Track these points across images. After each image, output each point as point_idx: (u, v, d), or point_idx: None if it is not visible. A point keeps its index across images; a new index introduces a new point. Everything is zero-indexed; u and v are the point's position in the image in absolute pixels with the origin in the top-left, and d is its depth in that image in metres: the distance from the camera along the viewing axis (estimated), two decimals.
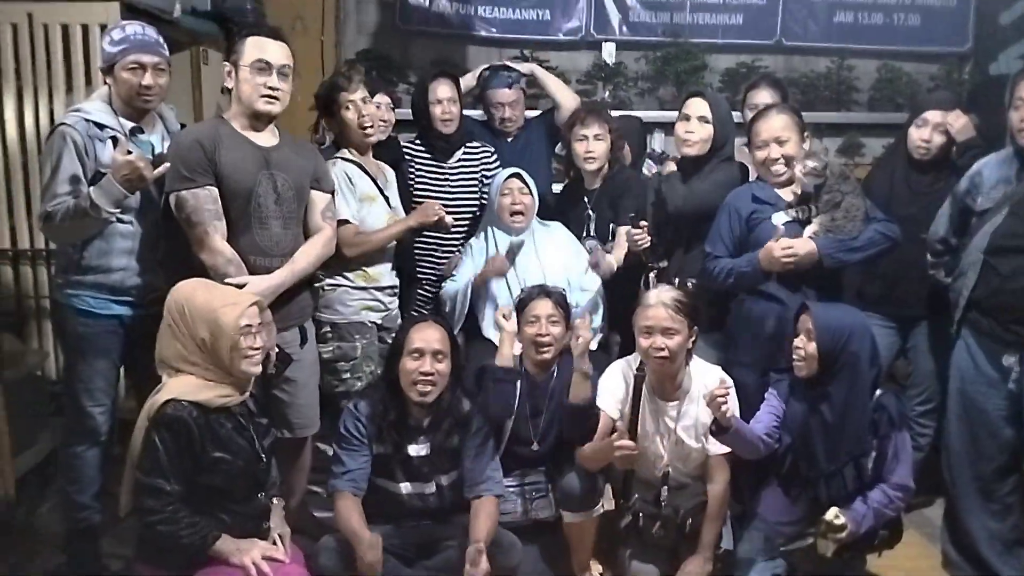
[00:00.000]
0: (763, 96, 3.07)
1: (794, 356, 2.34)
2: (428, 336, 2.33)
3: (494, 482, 2.39)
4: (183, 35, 3.36)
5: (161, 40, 2.43)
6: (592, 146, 3.01)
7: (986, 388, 2.48)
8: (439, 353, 2.32)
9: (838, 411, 2.32)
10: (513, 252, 2.95)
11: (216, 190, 2.30)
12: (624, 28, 4.40)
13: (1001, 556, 2.56)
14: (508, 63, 3.65)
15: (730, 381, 2.30)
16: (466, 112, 3.56)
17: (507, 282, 2.94)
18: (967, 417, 2.54)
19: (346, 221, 2.69)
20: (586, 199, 3.10)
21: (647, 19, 4.40)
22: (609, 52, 4.42)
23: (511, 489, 2.57)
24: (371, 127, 2.77)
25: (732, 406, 2.29)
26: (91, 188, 2.23)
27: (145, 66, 2.34)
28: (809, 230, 2.52)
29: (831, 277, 2.57)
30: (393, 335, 2.83)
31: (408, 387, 2.31)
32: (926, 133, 2.80)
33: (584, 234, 3.09)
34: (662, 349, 2.39)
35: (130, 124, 2.38)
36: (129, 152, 2.21)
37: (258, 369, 2.10)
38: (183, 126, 2.57)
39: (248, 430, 2.09)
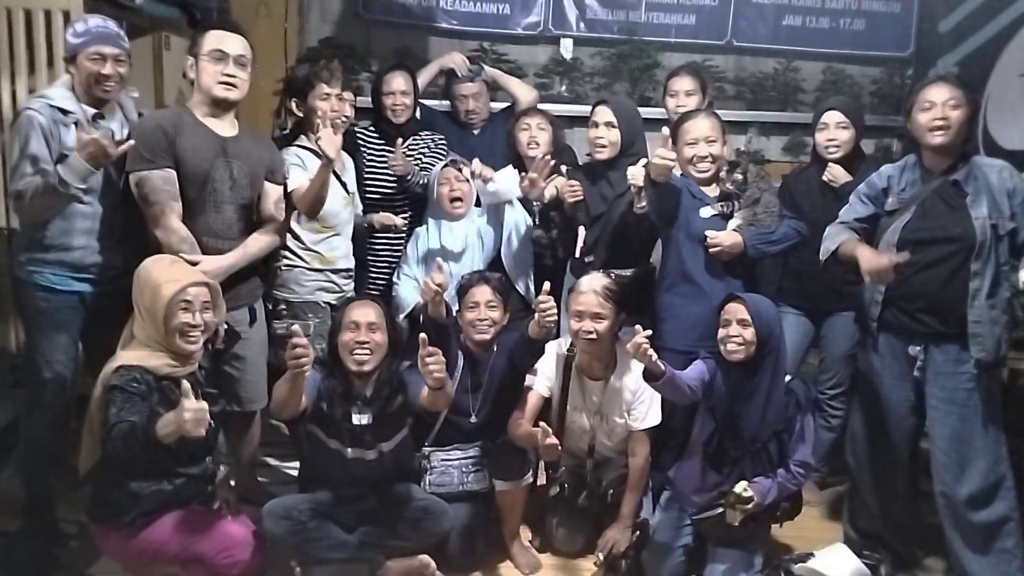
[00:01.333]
0: (682, 83, 3.27)
1: (730, 343, 2.49)
2: (364, 311, 2.50)
3: None
4: (145, 21, 3.43)
5: (122, 33, 2.55)
6: (535, 133, 3.20)
7: (892, 380, 2.62)
8: (373, 324, 2.48)
9: (764, 391, 2.50)
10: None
11: (174, 172, 2.44)
12: (581, 25, 4.54)
13: (896, 533, 2.74)
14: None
15: (647, 332, 2.37)
16: (433, 103, 3.75)
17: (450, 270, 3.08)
18: (874, 407, 2.69)
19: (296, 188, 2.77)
20: None
21: (604, 16, 4.54)
22: (566, 48, 4.55)
23: (449, 462, 2.72)
24: (340, 123, 2.90)
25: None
26: (58, 165, 2.34)
27: (106, 57, 2.46)
28: (732, 223, 2.71)
29: (750, 269, 2.76)
30: None
31: (347, 357, 2.47)
32: (829, 134, 3.01)
33: (535, 220, 3.24)
34: (591, 332, 2.59)
35: (92, 110, 2.49)
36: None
37: (194, 347, 2.23)
38: (140, 115, 2.68)
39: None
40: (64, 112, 2.43)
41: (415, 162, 3.32)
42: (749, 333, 2.47)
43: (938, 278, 2.50)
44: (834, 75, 4.61)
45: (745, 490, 2.42)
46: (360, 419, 2.50)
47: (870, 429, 2.73)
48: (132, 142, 2.41)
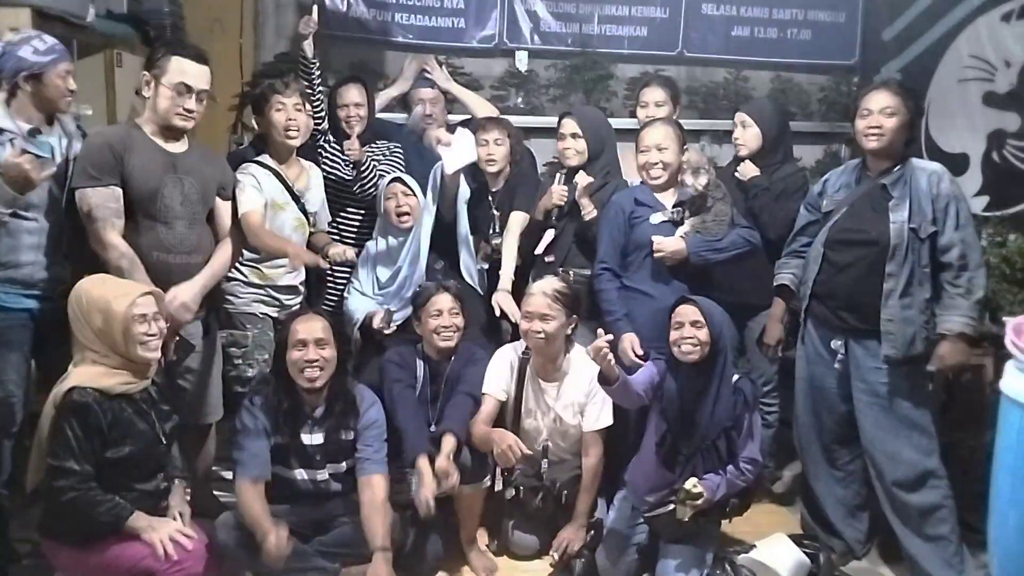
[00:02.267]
0: (653, 94, 3.40)
1: (684, 344, 2.55)
2: (310, 327, 2.49)
3: (379, 462, 2.54)
4: (96, 38, 3.44)
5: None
6: (492, 149, 3.24)
7: (823, 368, 2.76)
8: (321, 340, 2.49)
9: (714, 390, 2.57)
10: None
11: (119, 190, 2.45)
12: (536, 37, 4.59)
13: (844, 519, 2.84)
14: (427, 70, 3.88)
15: (608, 336, 2.46)
16: (391, 116, 3.79)
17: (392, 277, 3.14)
18: (809, 395, 2.82)
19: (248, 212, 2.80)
20: (490, 199, 3.32)
21: (557, 29, 4.60)
22: (521, 60, 4.59)
23: (403, 468, 2.73)
24: (296, 132, 2.94)
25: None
26: None
27: (69, 72, 2.50)
28: (680, 230, 2.79)
29: (700, 274, 2.83)
30: None
31: (296, 375, 2.48)
32: (736, 132, 3.16)
33: (490, 231, 3.29)
34: (539, 332, 2.66)
35: (27, 126, 2.49)
36: (25, 152, 2.32)
37: (155, 355, 2.25)
38: (79, 128, 2.70)
39: (149, 415, 2.24)
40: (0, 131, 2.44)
41: (378, 170, 3.35)
42: (703, 334, 2.53)
43: (856, 277, 2.61)
44: (782, 83, 4.71)
45: (695, 486, 2.47)
46: (311, 439, 2.50)
47: (809, 414, 2.83)
48: (52, 169, 2.41)
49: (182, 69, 2.51)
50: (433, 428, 2.81)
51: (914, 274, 2.55)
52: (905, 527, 2.61)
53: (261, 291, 2.95)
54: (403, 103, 3.97)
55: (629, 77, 4.60)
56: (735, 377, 2.61)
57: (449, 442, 2.59)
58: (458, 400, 2.73)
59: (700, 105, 4.66)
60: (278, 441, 2.50)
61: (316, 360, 2.46)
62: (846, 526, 2.83)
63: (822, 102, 4.77)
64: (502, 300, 3.03)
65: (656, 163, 2.86)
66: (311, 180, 3.09)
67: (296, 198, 2.99)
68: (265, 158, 2.96)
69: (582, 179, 2.94)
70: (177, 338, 2.49)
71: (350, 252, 3.04)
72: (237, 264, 2.89)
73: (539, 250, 3.08)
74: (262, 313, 2.94)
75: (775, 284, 2.92)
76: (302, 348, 2.46)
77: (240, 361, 2.89)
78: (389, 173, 3.25)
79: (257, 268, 2.94)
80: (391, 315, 3.04)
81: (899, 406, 2.59)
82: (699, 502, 2.47)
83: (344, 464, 2.55)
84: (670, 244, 2.76)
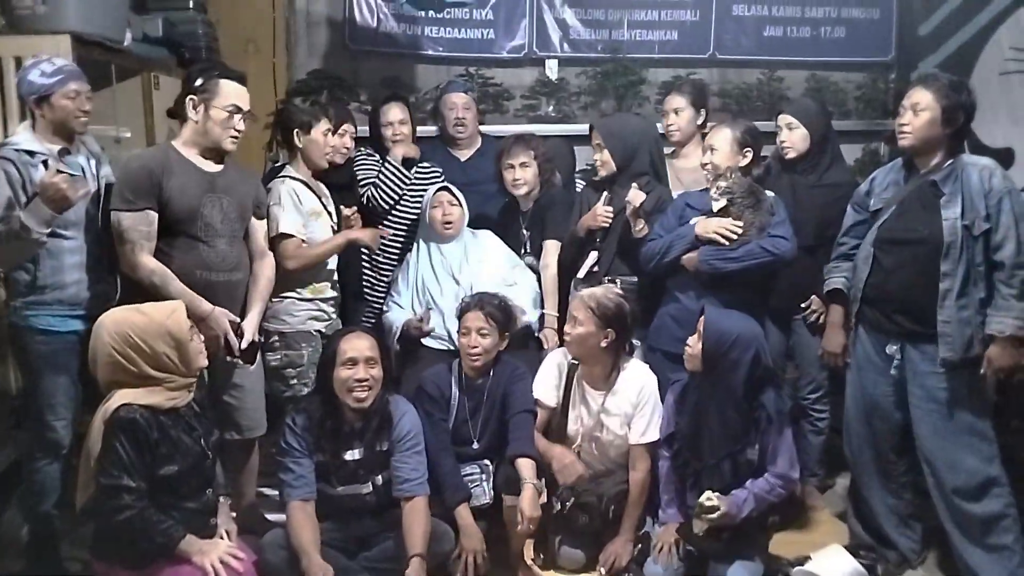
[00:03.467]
0: (672, 101, 3.34)
1: (685, 352, 2.55)
2: (359, 345, 2.48)
3: (418, 483, 2.52)
4: (133, 62, 3.49)
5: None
6: (519, 174, 3.22)
7: (875, 376, 2.67)
8: (371, 360, 2.48)
9: (715, 410, 2.52)
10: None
11: (154, 214, 2.49)
12: (565, 45, 4.58)
13: (897, 528, 2.76)
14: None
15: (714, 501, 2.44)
16: (421, 129, 3.79)
17: (440, 289, 3.14)
18: (861, 402, 2.74)
19: (290, 235, 2.85)
20: (521, 220, 3.32)
21: (587, 36, 4.58)
22: (551, 68, 4.59)
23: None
24: (332, 154, 3.00)
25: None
26: (20, 211, 2.37)
27: (80, 92, 2.53)
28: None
29: (738, 286, 2.75)
30: None
31: (344, 395, 2.46)
32: (782, 135, 3.08)
33: (522, 252, 3.29)
34: (568, 335, 2.70)
35: (57, 147, 2.54)
36: (59, 172, 2.36)
37: (206, 361, 2.28)
38: (103, 148, 2.77)
39: (196, 429, 2.25)
40: (31, 154, 2.48)
41: (423, 191, 3.37)
42: (698, 347, 2.51)
43: (908, 278, 2.54)
44: (818, 83, 4.64)
45: (709, 499, 2.42)
46: (352, 454, 2.50)
47: (861, 423, 2.76)
48: (91, 188, 2.49)
49: (234, 91, 2.57)
50: (476, 445, 2.82)
51: (970, 273, 2.47)
52: (965, 537, 2.53)
53: (313, 306, 2.96)
54: (434, 114, 3.97)
55: (661, 82, 4.56)
56: (768, 393, 2.53)
57: (528, 466, 2.61)
58: (520, 420, 2.72)
59: (734, 108, 4.61)
60: (320, 459, 2.50)
61: (366, 380, 2.45)
62: (899, 535, 2.76)
63: (859, 100, 4.69)
64: (551, 337, 3.09)
65: (706, 164, 2.85)
66: (326, 193, 3.10)
67: (324, 207, 3.01)
68: (297, 170, 2.97)
69: (635, 197, 2.88)
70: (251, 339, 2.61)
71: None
72: (291, 287, 2.91)
73: (581, 273, 3.05)
74: (315, 331, 2.96)
75: (826, 290, 2.85)
76: (351, 367, 2.45)
77: (296, 381, 2.90)
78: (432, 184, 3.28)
79: (310, 284, 2.95)
80: (428, 315, 3.06)
81: (958, 412, 2.51)
82: (714, 515, 2.41)
83: (381, 476, 2.54)
84: (688, 253, 2.75)
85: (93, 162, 2.65)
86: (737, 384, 2.48)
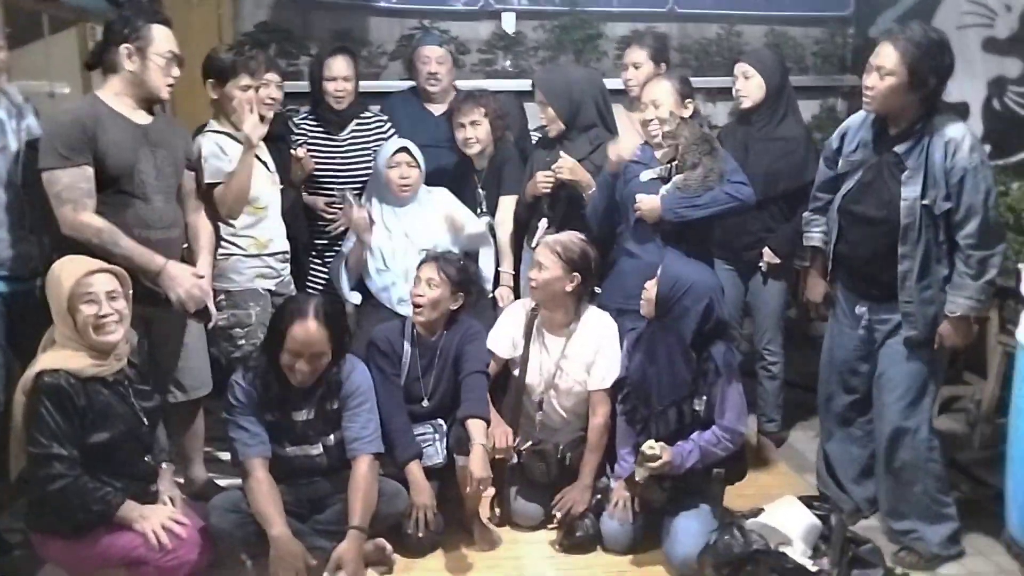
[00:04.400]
0: (631, 55, 3.29)
1: (641, 297, 2.54)
2: (308, 338, 2.33)
3: (367, 440, 2.47)
4: (68, 12, 3.33)
5: None
6: (471, 132, 3.14)
7: (847, 329, 2.67)
8: (317, 354, 2.36)
9: (663, 357, 2.51)
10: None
11: (91, 169, 2.36)
12: None
13: (855, 479, 2.79)
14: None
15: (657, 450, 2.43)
16: (375, 84, 3.71)
17: (393, 247, 3.06)
18: (833, 353, 2.74)
19: (217, 184, 2.73)
20: (476, 178, 3.25)
21: None
22: (508, 22, 4.48)
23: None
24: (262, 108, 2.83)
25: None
26: None
27: None
28: (663, 188, 2.70)
29: (690, 232, 2.72)
30: None
31: (288, 372, 2.37)
32: (738, 84, 3.05)
33: (478, 211, 3.22)
34: (533, 280, 2.69)
35: None
36: None
37: (113, 337, 2.13)
38: (27, 99, 2.60)
39: (128, 396, 2.16)
40: None
41: (367, 145, 3.29)
42: (653, 291, 2.50)
43: (869, 255, 2.52)
44: (776, 38, 4.59)
45: (651, 448, 2.41)
46: (301, 415, 2.42)
47: (832, 372, 2.76)
48: (10, 144, 2.35)
49: (168, 38, 2.45)
50: (426, 403, 2.77)
51: (930, 253, 2.40)
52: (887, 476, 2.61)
53: (260, 263, 2.87)
54: (407, 66, 3.84)
55: (620, 36, 4.48)
56: (717, 345, 2.52)
57: (478, 427, 2.56)
58: (473, 382, 2.68)
59: (693, 62, 4.55)
60: (269, 419, 2.43)
61: (309, 368, 2.37)
62: (855, 485, 2.79)
63: (817, 55, 4.66)
64: (506, 295, 3.08)
65: (651, 120, 2.78)
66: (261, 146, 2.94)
67: (257, 157, 2.85)
68: (215, 124, 2.85)
69: (566, 163, 2.90)
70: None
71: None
72: (231, 239, 2.82)
73: (534, 243, 2.99)
74: (264, 289, 2.87)
75: (805, 243, 2.82)
76: (296, 357, 2.35)
77: (244, 341, 2.81)
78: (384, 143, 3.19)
79: (252, 237, 2.85)
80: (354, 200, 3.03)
81: (914, 371, 2.52)
82: (655, 464, 2.40)
83: (333, 436, 2.48)
84: (647, 202, 2.69)
85: (14, 111, 2.49)
86: (687, 331, 2.47)
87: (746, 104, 3.03)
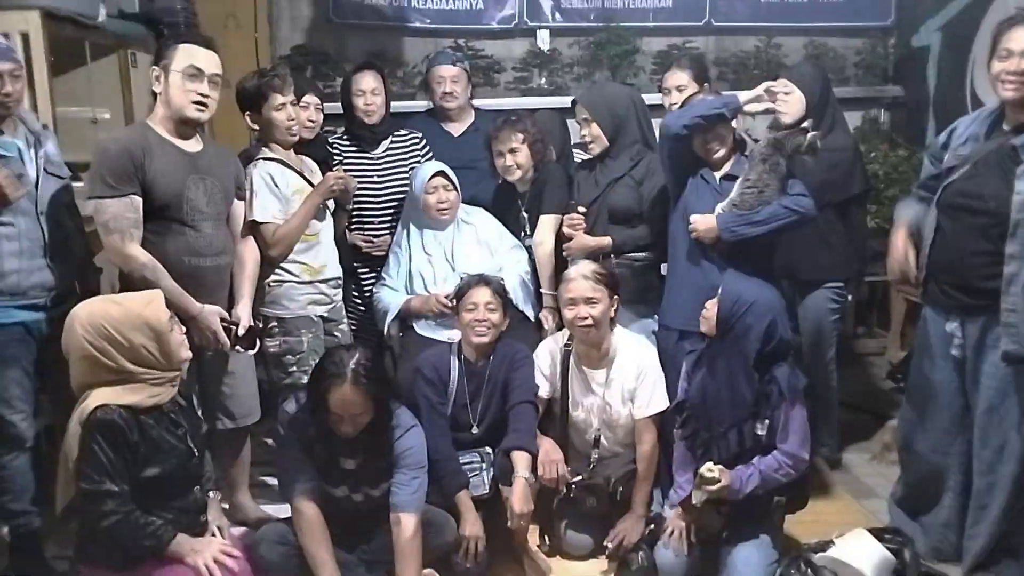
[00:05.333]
0: (674, 79, 3.23)
1: (701, 316, 2.44)
2: (345, 402, 2.23)
3: (408, 502, 2.35)
4: (108, 39, 3.35)
5: (12, 46, 2.48)
6: (510, 160, 3.07)
7: (936, 359, 2.47)
8: (357, 416, 2.27)
9: (724, 377, 2.41)
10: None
11: (139, 199, 2.36)
12: (557, 15, 4.46)
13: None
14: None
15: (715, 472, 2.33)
16: (411, 104, 3.68)
17: (434, 272, 3.04)
18: (921, 387, 2.56)
19: (265, 223, 2.70)
20: (519, 201, 3.18)
21: (579, 5, 4.46)
22: (543, 39, 4.48)
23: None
24: (297, 129, 2.82)
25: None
26: None
27: (2, 73, 2.35)
28: (718, 207, 2.62)
29: (749, 250, 2.61)
30: (339, 328, 2.90)
31: (332, 425, 2.29)
32: (778, 100, 2.91)
33: (521, 234, 3.17)
34: (586, 318, 2.57)
35: None
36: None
37: (189, 354, 2.14)
38: (45, 126, 2.59)
39: (181, 426, 2.13)
40: None
41: (403, 162, 3.26)
42: (713, 310, 2.41)
43: (969, 251, 2.31)
44: (816, 49, 4.53)
45: (710, 471, 2.31)
46: (347, 464, 2.35)
47: (917, 412, 2.58)
48: (27, 190, 2.34)
49: (190, 53, 2.40)
50: (475, 429, 2.73)
51: None
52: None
53: (313, 290, 2.83)
54: (424, 87, 3.83)
55: (656, 51, 4.46)
56: (781, 367, 2.41)
57: (522, 459, 2.52)
58: (521, 411, 2.62)
59: (731, 76, 4.50)
60: (317, 461, 2.37)
61: (351, 426, 2.29)
62: (929, 518, 2.60)
63: (858, 66, 4.59)
64: (550, 317, 3.00)
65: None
66: (312, 168, 2.95)
67: (308, 182, 2.85)
68: (267, 151, 2.82)
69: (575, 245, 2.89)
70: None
71: (352, 181, 2.96)
72: (285, 265, 2.78)
73: None
74: (316, 316, 2.83)
75: (896, 220, 2.58)
76: (338, 418, 2.27)
77: (295, 368, 2.76)
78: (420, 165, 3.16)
79: (305, 264, 2.81)
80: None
81: (1011, 406, 2.30)
82: (713, 487, 2.31)
83: (379, 488, 2.39)
84: (702, 222, 2.59)
85: (32, 139, 2.46)
86: (749, 351, 2.36)
87: (786, 120, 2.95)
